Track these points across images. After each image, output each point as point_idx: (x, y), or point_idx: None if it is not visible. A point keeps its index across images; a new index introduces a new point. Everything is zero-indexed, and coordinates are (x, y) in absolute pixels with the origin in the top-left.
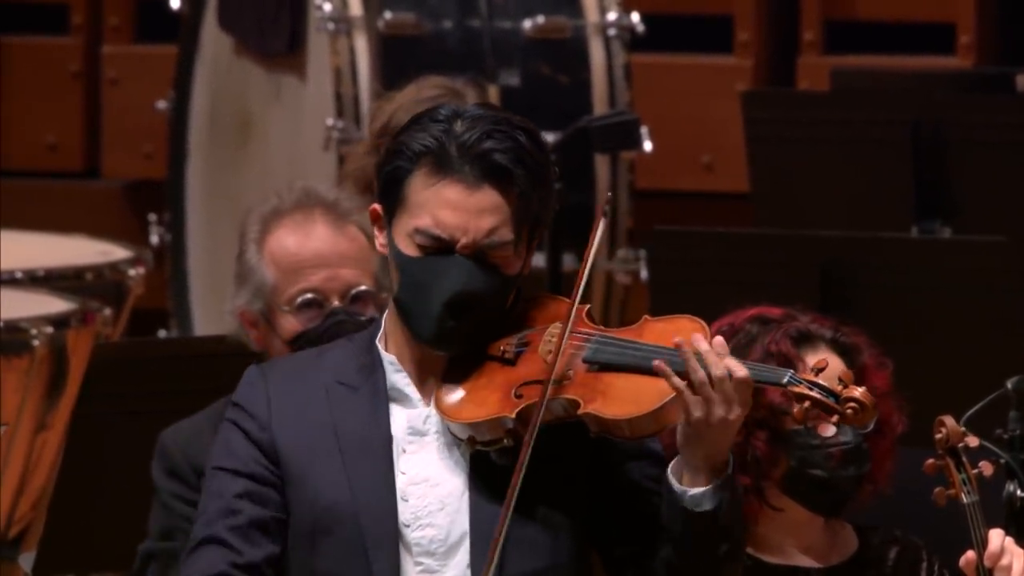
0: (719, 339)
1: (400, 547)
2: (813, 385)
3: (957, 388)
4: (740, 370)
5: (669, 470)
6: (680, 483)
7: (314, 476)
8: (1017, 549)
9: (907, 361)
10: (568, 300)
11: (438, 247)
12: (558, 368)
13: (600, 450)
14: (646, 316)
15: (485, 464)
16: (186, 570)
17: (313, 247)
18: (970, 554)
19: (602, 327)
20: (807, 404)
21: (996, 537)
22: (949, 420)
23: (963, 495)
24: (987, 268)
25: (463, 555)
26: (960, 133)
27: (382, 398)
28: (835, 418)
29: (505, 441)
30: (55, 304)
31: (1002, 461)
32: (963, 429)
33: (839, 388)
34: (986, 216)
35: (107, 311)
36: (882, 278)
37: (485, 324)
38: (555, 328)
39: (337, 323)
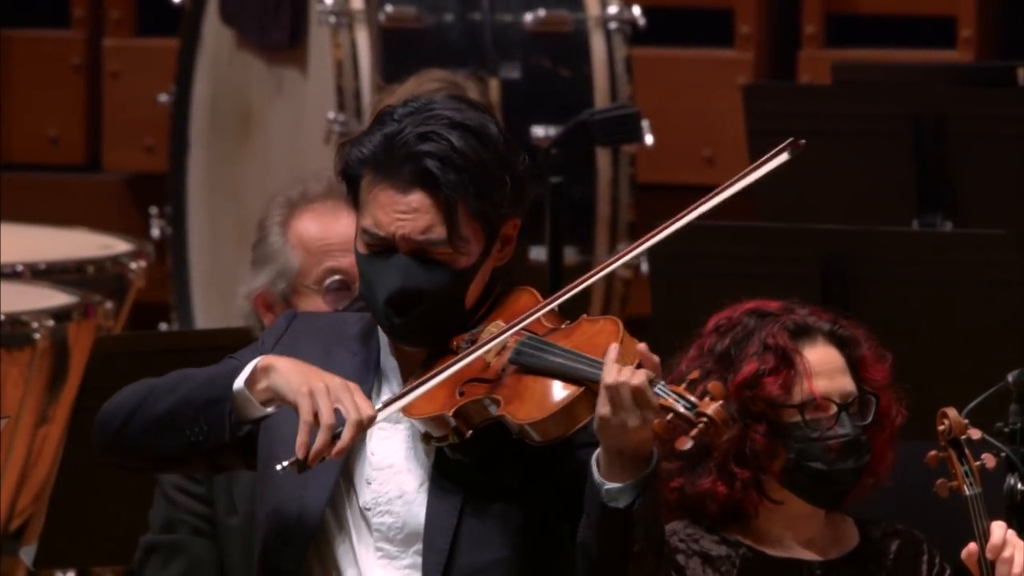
0: (642, 346)
1: (363, 526)
2: (679, 397)
3: (957, 381)
4: (637, 378)
5: (593, 457)
6: (600, 473)
7: (286, 415)
8: (1019, 541)
9: (908, 354)
10: (539, 297)
11: (382, 246)
12: (494, 366)
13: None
14: (584, 316)
15: (447, 458)
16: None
17: (342, 232)
18: (972, 546)
19: (551, 325)
20: (670, 416)
21: (998, 529)
22: (952, 412)
23: (965, 487)
24: (988, 261)
25: (419, 547)
26: (961, 127)
27: (372, 368)
28: (693, 432)
29: (450, 438)
30: (56, 297)
31: (1002, 454)
32: (966, 421)
33: (700, 401)
34: (987, 210)
35: (108, 304)
36: (883, 271)
37: (440, 318)
38: (493, 327)
39: (364, 307)
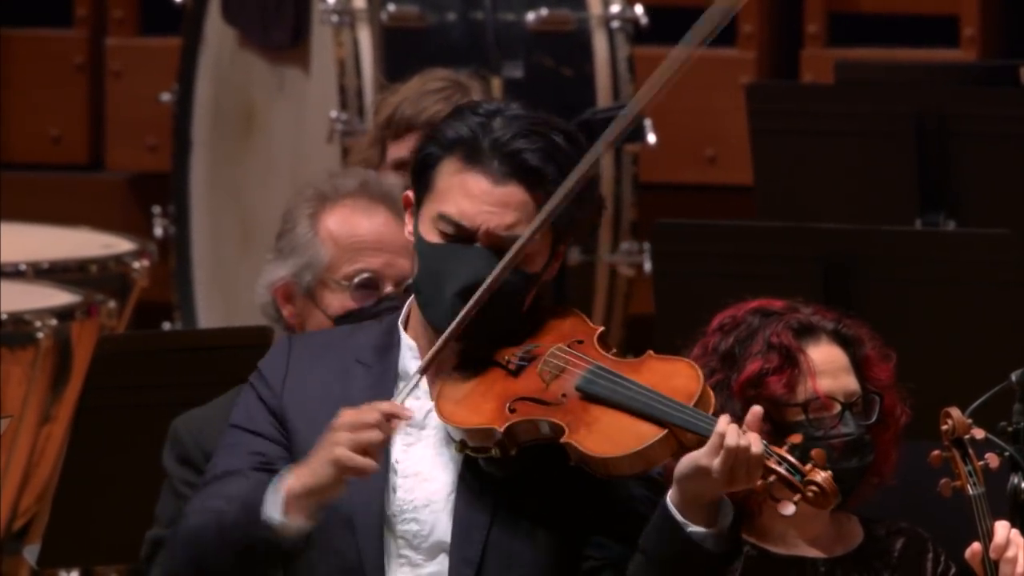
0: (757, 410)
1: (386, 533)
2: (782, 460)
3: (961, 381)
4: (756, 446)
5: (668, 499)
6: (681, 515)
7: (314, 447)
8: (1022, 541)
9: (911, 353)
10: (588, 321)
11: (459, 236)
12: (553, 389)
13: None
14: (649, 352)
15: (475, 467)
16: (218, 489)
17: (376, 230)
18: (976, 546)
19: (610, 355)
20: (772, 479)
21: (1002, 529)
22: (955, 411)
23: (969, 487)
24: (991, 261)
25: (443, 557)
26: (964, 126)
27: (391, 380)
28: (797, 497)
29: (493, 452)
30: (59, 296)
31: (1006, 454)
32: (969, 421)
33: (806, 468)
34: (990, 209)
35: (111, 303)
36: (886, 271)
37: (501, 319)
38: (558, 350)
39: (391, 308)
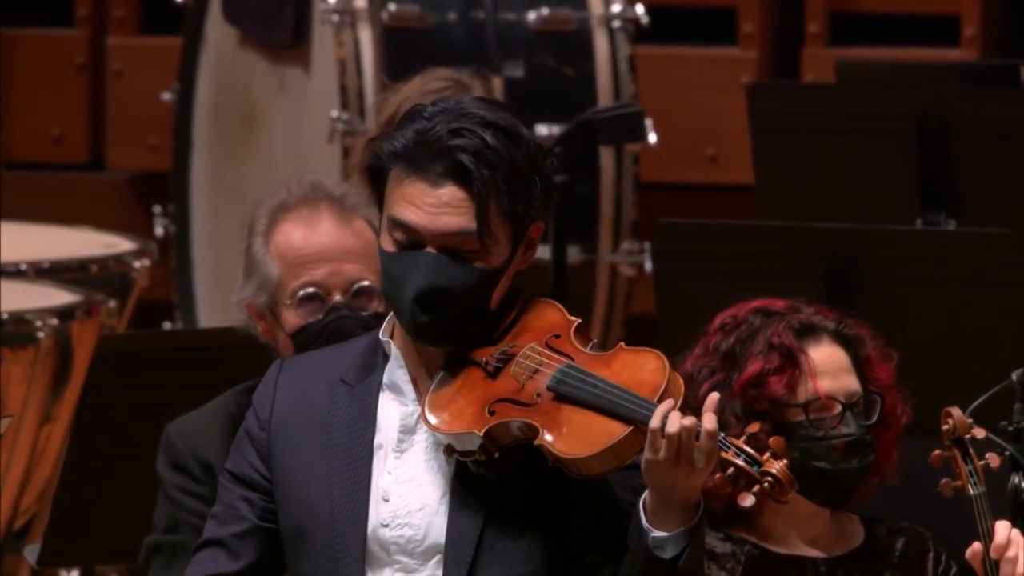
0: (713, 395)
1: (376, 547)
2: (739, 451)
3: (962, 380)
4: (708, 423)
5: (641, 500)
6: (647, 519)
7: (302, 475)
8: (1023, 540)
9: (912, 353)
10: (565, 314)
11: (410, 242)
12: (528, 389)
13: None
14: (621, 344)
15: (468, 470)
16: (191, 569)
17: (317, 241)
18: (976, 546)
19: (586, 348)
20: (731, 471)
21: (1003, 529)
22: (956, 411)
23: (969, 487)
24: (992, 260)
25: (438, 561)
26: (965, 125)
27: (374, 397)
28: (756, 488)
29: (477, 455)
30: (60, 296)
31: (1007, 453)
32: (970, 420)
33: (763, 457)
34: (991, 208)
35: (112, 303)
36: (887, 270)
37: (466, 318)
38: (530, 350)
39: (338, 318)
